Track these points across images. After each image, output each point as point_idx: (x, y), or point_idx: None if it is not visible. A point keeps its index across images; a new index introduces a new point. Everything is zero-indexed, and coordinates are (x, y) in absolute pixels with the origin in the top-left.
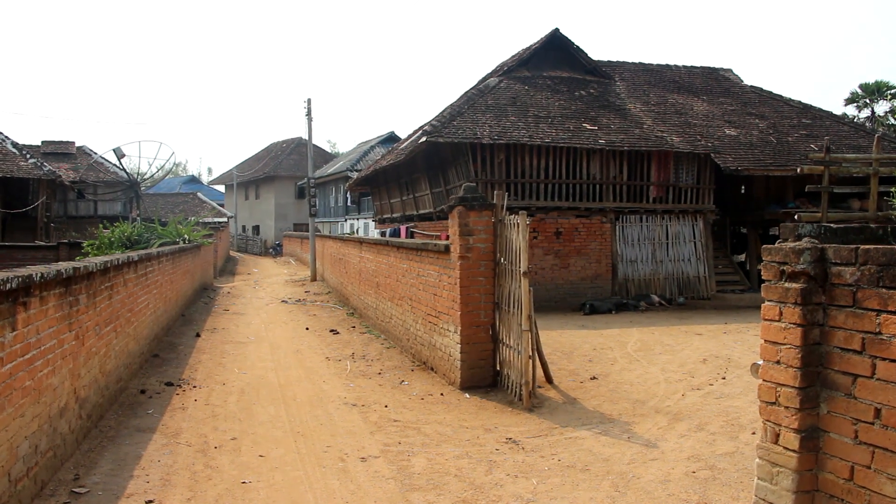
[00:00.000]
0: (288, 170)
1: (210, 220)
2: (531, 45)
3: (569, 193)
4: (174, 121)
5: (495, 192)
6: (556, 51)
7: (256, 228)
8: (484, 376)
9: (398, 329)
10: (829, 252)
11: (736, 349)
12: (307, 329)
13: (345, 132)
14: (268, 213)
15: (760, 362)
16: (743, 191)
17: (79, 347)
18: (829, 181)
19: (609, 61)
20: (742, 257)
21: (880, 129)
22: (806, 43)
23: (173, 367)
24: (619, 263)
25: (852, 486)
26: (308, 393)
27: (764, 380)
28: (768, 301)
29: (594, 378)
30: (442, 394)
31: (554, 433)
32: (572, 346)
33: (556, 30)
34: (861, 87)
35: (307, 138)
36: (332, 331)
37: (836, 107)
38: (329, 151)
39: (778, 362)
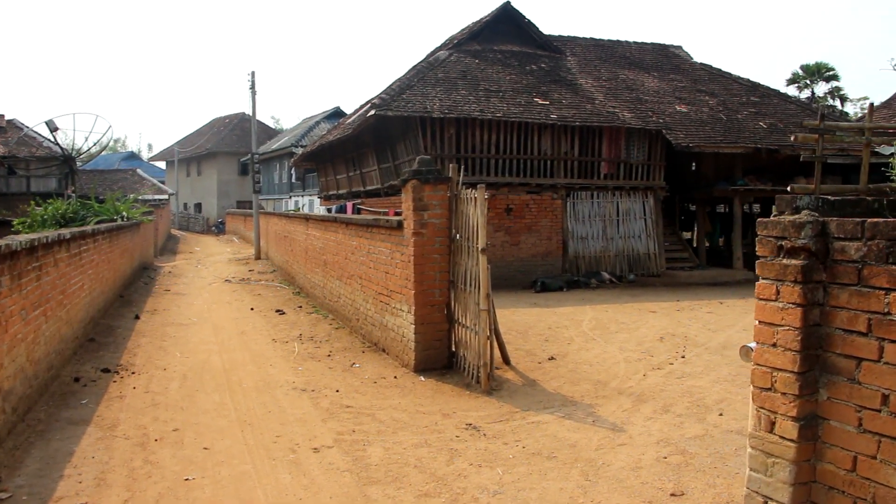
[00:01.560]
0: (231, 146)
1: (150, 197)
2: (482, 19)
3: (520, 169)
4: (112, 95)
5: (450, 165)
6: (507, 24)
7: (199, 206)
8: (439, 358)
9: (347, 309)
10: (832, 226)
11: (692, 327)
12: (252, 309)
13: (290, 108)
14: (210, 190)
15: (752, 345)
16: (693, 168)
17: (1, 335)
18: (772, 161)
19: (560, 36)
20: (689, 234)
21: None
22: (747, 24)
23: (111, 351)
24: (569, 240)
25: (855, 478)
26: (254, 378)
27: (758, 364)
28: (764, 279)
29: (552, 358)
30: (395, 377)
31: (515, 417)
32: (527, 324)
33: (507, 3)
34: (802, 68)
35: (251, 113)
36: (277, 311)
37: (778, 87)
38: (273, 128)
39: (774, 345)
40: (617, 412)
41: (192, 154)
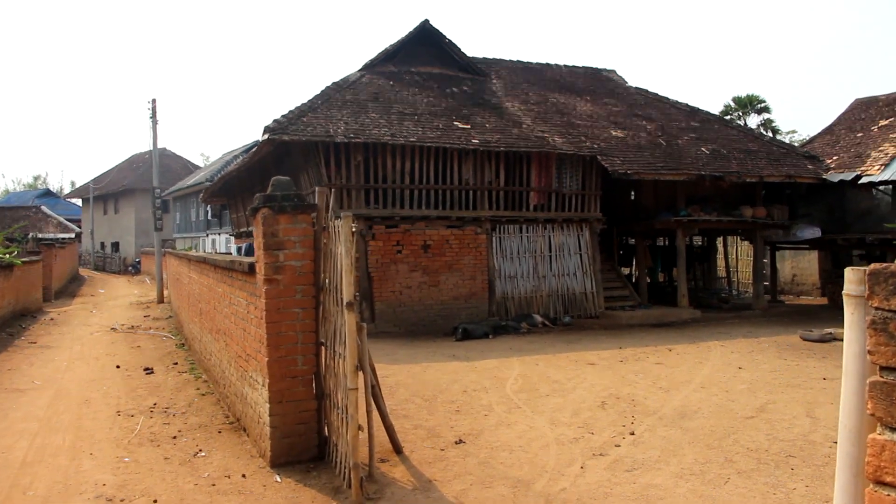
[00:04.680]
0: (150, 182)
1: (51, 235)
2: (400, 39)
3: (438, 201)
4: (35, 130)
5: (315, 188)
6: (426, 45)
7: (116, 245)
8: (305, 447)
9: (217, 370)
10: None
11: (639, 384)
12: (118, 367)
13: (220, 145)
14: (128, 228)
15: None
16: (632, 198)
17: None
18: (715, 189)
19: (485, 58)
20: (628, 270)
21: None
22: (679, 55)
23: None
24: (496, 280)
25: None
26: (53, 479)
27: None
28: (886, 371)
29: (460, 441)
30: (244, 475)
31: None
32: (437, 386)
33: (426, 21)
34: (734, 100)
35: (152, 145)
36: (146, 369)
37: None
38: (201, 165)
39: None
40: None
41: (108, 191)
